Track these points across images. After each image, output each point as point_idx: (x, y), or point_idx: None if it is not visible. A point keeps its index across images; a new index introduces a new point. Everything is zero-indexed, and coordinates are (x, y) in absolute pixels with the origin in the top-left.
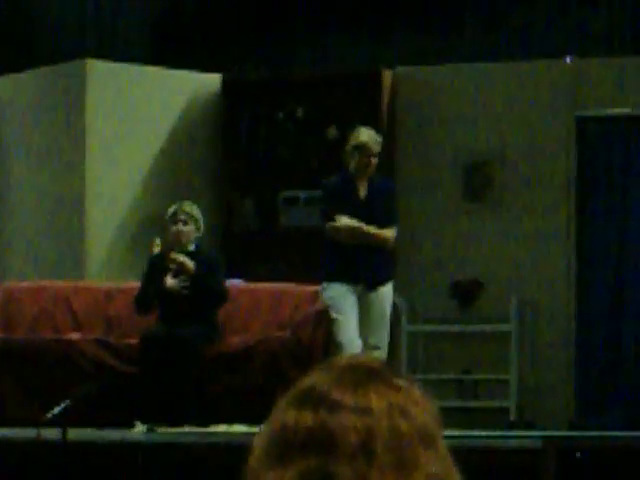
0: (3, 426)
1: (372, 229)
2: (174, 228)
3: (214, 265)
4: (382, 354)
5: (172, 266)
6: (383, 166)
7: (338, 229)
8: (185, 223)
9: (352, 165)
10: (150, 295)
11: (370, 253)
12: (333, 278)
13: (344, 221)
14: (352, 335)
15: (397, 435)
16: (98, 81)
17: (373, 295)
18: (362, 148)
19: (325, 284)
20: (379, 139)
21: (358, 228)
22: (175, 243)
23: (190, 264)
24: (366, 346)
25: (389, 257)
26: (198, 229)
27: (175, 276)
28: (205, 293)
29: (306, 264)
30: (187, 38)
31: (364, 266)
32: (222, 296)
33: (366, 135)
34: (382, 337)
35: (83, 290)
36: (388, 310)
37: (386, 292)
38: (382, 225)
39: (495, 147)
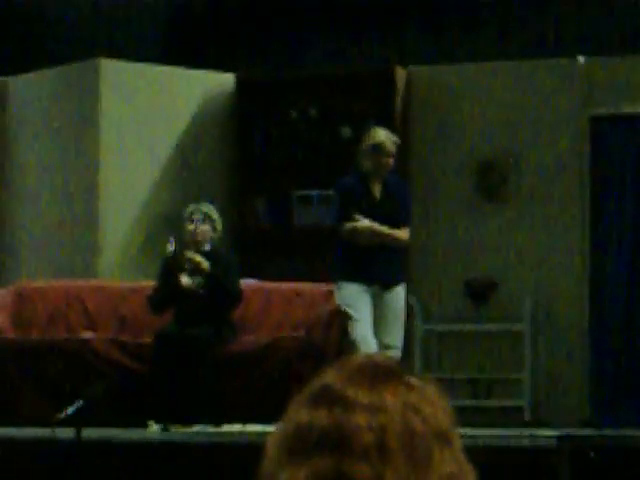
0: (17, 425)
1: (389, 230)
2: (190, 227)
3: (229, 265)
4: (397, 354)
5: (188, 265)
6: (396, 165)
7: (357, 231)
8: (202, 222)
9: (368, 165)
10: (164, 295)
11: (385, 253)
12: (348, 278)
13: (363, 223)
14: (367, 334)
15: (411, 434)
16: (111, 81)
17: (388, 295)
18: (379, 148)
19: (340, 283)
20: (396, 139)
21: (376, 230)
22: (191, 242)
23: (206, 264)
24: (381, 346)
25: (403, 257)
26: (215, 229)
27: (190, 275)
28: (220, 293)
29: (320, 263)
30: (200, 37)
31: (379, 266)
32: (236, 297)
33: (383, 135)
34: (397, 337)
35: (96, 289)
36: (403, 310)
37: (400, 292)
38: (396, 225)
39: (509, 146)
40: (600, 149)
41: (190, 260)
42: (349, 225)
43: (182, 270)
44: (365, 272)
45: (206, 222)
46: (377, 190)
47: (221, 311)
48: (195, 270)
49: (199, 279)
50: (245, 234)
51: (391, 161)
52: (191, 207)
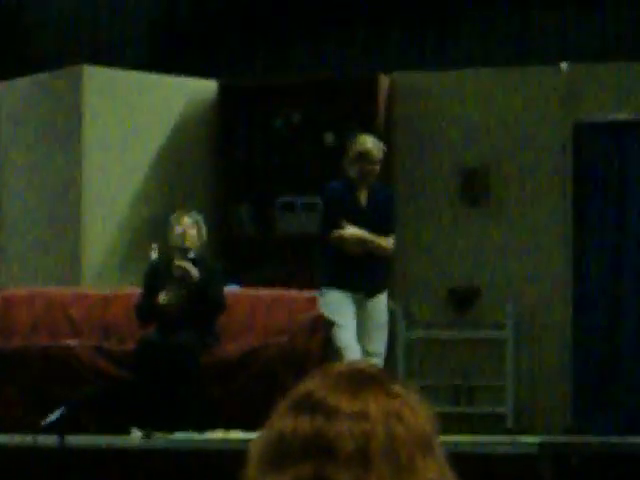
0: (0, 432)
1: (376, 238)
2: (179, 227)
3: (214, 274)
4: (380, 361)
5: (176, 273)
6: (379, 171)
7: (344, 238)
8: (190, 227)
9: (354, 172)
10: (150, 307)
11: (370, 261)
12: (332, 284)
13: (351, 231)
14: (351, 340)
15: (394, 441)
16: (94, 87)
17: (371, 303)
18: (366, 155)
19: (324, 290)
20: (382, 146)
21: (363, 237)
22: (177, 247)
23: (194, 271)
24: (364, 353)
25: (385, 265)
26: (201, 237)
27: (180, 281)
28: (203, 301)
29: (303, 270)
30: (183, 44)
31: (364, 274)
32: (220, 306)
33: (369, 142)
34: (380, 344)
35: (80, 296)
36: (386, 317)
37: (382, 300)
38: (382, 233)
39: (492, 153)
40: (583, 156)
41: (179, 268)
42: (337, 232)
43: (167, 278)
44: (350, 280)
45: (194, 227)
46: (363, 197)
47: (205, 318)
48: (184, 277)
49: (177, 293)
50: (228, 241)
51: (377, 168)
52: (179, 212)
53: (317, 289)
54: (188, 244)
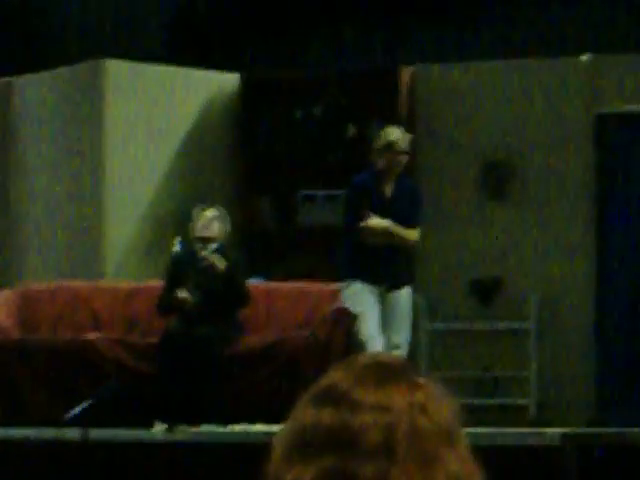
0: (24, 426)
1: (401, 229)
2: (206, 214)
3: (237, 266)
4: (403, 353)
5: (203, 264)
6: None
7: (369, 228)
8: (215, 220)
9: (381, 163)
10: (170, 300)
11: (393, 254)
12: (355, 277)
13: (376, 221)
14: (373, 332)
15: (418, 433)
16: (116, 81)
17: (395, 295)
18: (393, 146)
19: (347, 282)
20: (408, 136)
21: (389, 228)
22: (200, 239)
23: (221, 263)
24: (389, 344)
25: (410, 258)
26: (223, 230)
27: (204, 273)
28: (227, 294)
29: (325, 262)
30: (205, 37)
31: (386, 267)
32: (244, 298)
33: (396, 133)
34: (404, 336)
35: (103, 290)
36: (409, 309)
37: (408, 292)
38: (406, 225)
39: (514, 144)
40: (606, 146)
41: (206, 259)
42: (362, 223)
43: (188, 270)
44: (372, 272)
45: (218, 220)
46: (389, 189)
47: (228, 311)
48: (210, 268)
49: (197, 289)
50: (250, 234)
51: (404, 158)
52: (202, 205)
53: (339, 281)
54: (211, 235)
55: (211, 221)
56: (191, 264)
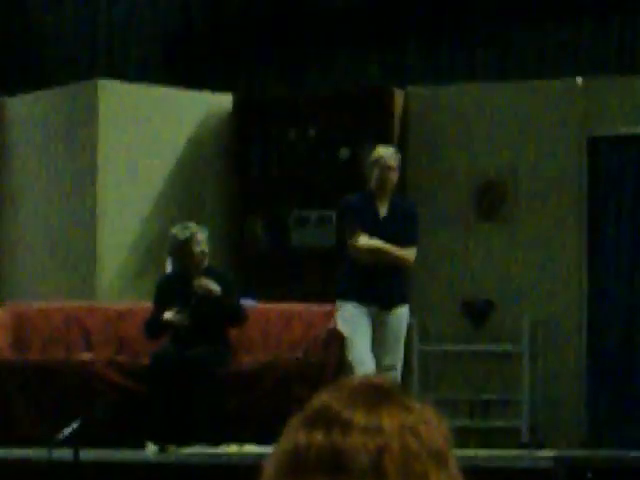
0: (16, 446)
1: (394, 249)
2: (197, 249)
3: (229, 284)
4: (396, 375)
5: (200, 291)
6: (397, 185)
7: (358, 248)
8: (201, 244)
9: (372, 182)
10: (159, 322)
11: (386, 273)
12: (347, 297)
13: (365, 240)
14: (363, 355)
15: (408, 455)
16: (109, 101)
17: (388, 316)
18: (379, 162)
19: (339, 303)
20: (396, 154)
21: (380, 248)
22: (193, 264)
23: (217, 287)
24: (380, 367)
25: (405, 278)
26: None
27: (201, 299)
28: (225, 313)
29: (317, 284)
30: (198, 58)
31: (379, 287)
32: (241, 317)
33: (382, 150)
34: (396, 358)
35: (95, 310)
36: (403, 331)
37: (402, 313)
38: (402, 245)
39: (507, 167)
40: (598, 169)
41: (201, 286)
42: (352, 242)
43: (178, 292)
44: (364, 292)
45: (204, 245)
46: (382, 208)
47: (220, 331)
48: (206, 295)
49: (189, 311)
50: (243, 255)
51: (393, 175)
52: (187, 231)
53: (331, 303)
54: (205, 262)
55: (203, 247)
56: (180, 285)
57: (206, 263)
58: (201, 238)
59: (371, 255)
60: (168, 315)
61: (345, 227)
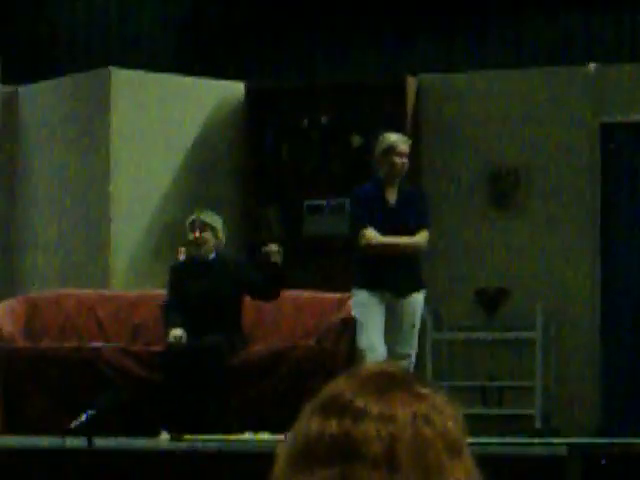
0: (29, 435)
1: (401, 240)
2: (191, 235)
3: (244, 268)
4: (410, 363)
5: (274, 259)
6: (408, 173)
7: (369, 245)
8: (202, 230)
9: (383, 170)
10: (175, 309)
11: (399, 261)
12: (361, 285)
13: (372, 236)
14: (374, 342)
15: (421, 443)
16: (122, 90)
17: (403, 303)
18: (391, 148)
19: (354, 290)
20: (407, 140)
21: (388, 242)
22: (194, 249)
23: (279, 258)
24: (394, 355)
25: (418, 265)
26: (216, 237)
27: (212, 280)
28: (255, 289)
29: (330, 272)
30: (211, 46)
31: (392, 274)
32: (270, 287)
33: (394, 136)
34: (410, 346)
35: (108, 298)
36: (418, 319)
37: (416, 301)
38: (413, 230)
39: (520, 154)
40: (611, 156)
41: (271, 252)
42: (360, 238)
43: (189, 279)
44: (377, 279)
45: (207, 230)
46: (392, 196)
47: (239, 319)
48: (268, 261)
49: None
50: (256, 243)
51: (404, 161)
52: (192, 216)
53: (344, 291)
54: (202, 246)
55: (201, 231)
56: (193, 272)
57: (207, 248)
58: (200, 225)
59: (379, 250)
60: (172, 333)
61: (353, 221)
